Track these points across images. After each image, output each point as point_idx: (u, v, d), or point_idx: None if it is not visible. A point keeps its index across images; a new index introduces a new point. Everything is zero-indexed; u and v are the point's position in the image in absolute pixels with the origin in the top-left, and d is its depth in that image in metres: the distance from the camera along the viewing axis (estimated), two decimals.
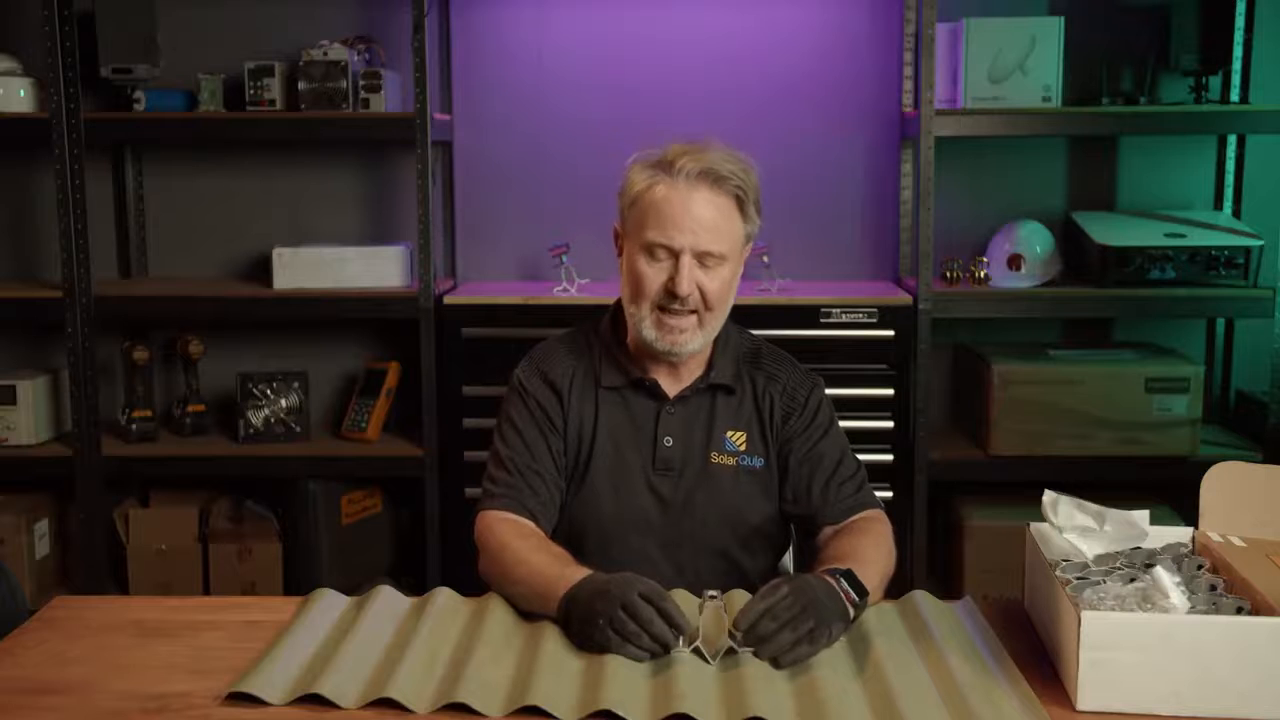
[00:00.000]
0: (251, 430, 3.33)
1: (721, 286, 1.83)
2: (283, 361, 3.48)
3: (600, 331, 1.97)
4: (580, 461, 1.90)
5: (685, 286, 1.79)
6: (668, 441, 1.89)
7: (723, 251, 1.81)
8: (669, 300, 1.81)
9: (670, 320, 1.82)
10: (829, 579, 1.62)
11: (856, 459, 1.96)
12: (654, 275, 1.81)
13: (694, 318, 1.83)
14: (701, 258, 1.80)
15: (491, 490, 1.87)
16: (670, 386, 1.91)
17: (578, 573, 1.65)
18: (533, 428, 1.89)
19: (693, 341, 1.84)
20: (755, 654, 1.51)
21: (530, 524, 1.83)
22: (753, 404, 1.92)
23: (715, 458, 1.89)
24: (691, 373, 1.92)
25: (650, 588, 1.56)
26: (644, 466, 1.89)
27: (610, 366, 1.92)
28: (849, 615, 1.61)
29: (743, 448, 1.90)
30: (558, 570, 1.67)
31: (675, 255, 1.80)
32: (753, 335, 2.02)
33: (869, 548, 1.78)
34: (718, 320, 1.86)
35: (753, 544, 1.92)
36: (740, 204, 1.82)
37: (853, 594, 1.61)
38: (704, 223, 1.79)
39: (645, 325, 1.84)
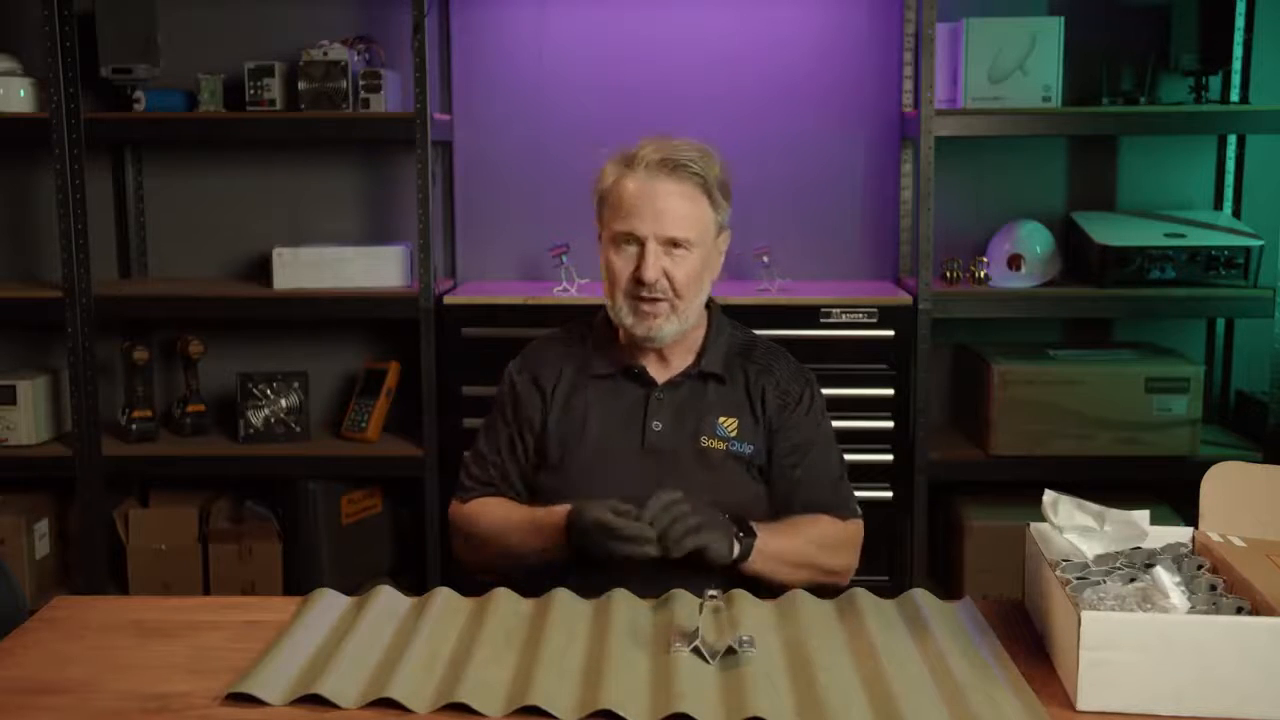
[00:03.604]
0: (251, 430, 3.33)
1: (689, 273, 1.87)
2: (283, 361, 3.48)
3: (595, 323, 2.03)
4: (570, 449, 1.94)
5: (651, 273, 1.84)
6: (656, 426, 1.92)
7: (688, 237, 1.85)
8: (638, 288, 1.86)
9: (645, 307, 1.88)
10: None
11: (841, 465, 1.98)
12: (623, 265, 1.87)
13: (666, 304, 1.87)
14: (667, 245, 1.85)
15: (465, 484, 1.99)
16: (659, 374, 1.96)
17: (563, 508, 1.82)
18: (511, 428, 1.98)
19: (667, 326, 1.89)
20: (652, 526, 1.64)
21: (490, 501, 1.98)
22: (745, 393, 1.96)
23: (705, 442, 1.92)
24: (682, 361, 1.96)
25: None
26: (634, 451, 1.92)
27: (601, 356, 1.97)
28: (732, 536, 1.71)
29: (734, 434, 1.93)
30: (544, 510, 1.85)
31: (641, 243, 1.85)
32: (748, 330, 2.05)
33: (805, 531, 1.85)
34: (691, 306, 1.90)
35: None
36: (705, 190, 1.87)
37: (737, 528, 1.73)
38: (666, 210, 1.84)
39: (624, 314, 1.90)
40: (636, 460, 1.92)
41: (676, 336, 1.92)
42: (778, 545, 1.75)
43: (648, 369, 1.95)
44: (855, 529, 1.92)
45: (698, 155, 1.86)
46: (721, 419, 1.93)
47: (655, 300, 1.87)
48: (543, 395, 1.97)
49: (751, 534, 1.73)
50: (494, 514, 1.95)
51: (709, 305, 2.00)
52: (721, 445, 1.92)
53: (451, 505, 2.02)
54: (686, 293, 1.87)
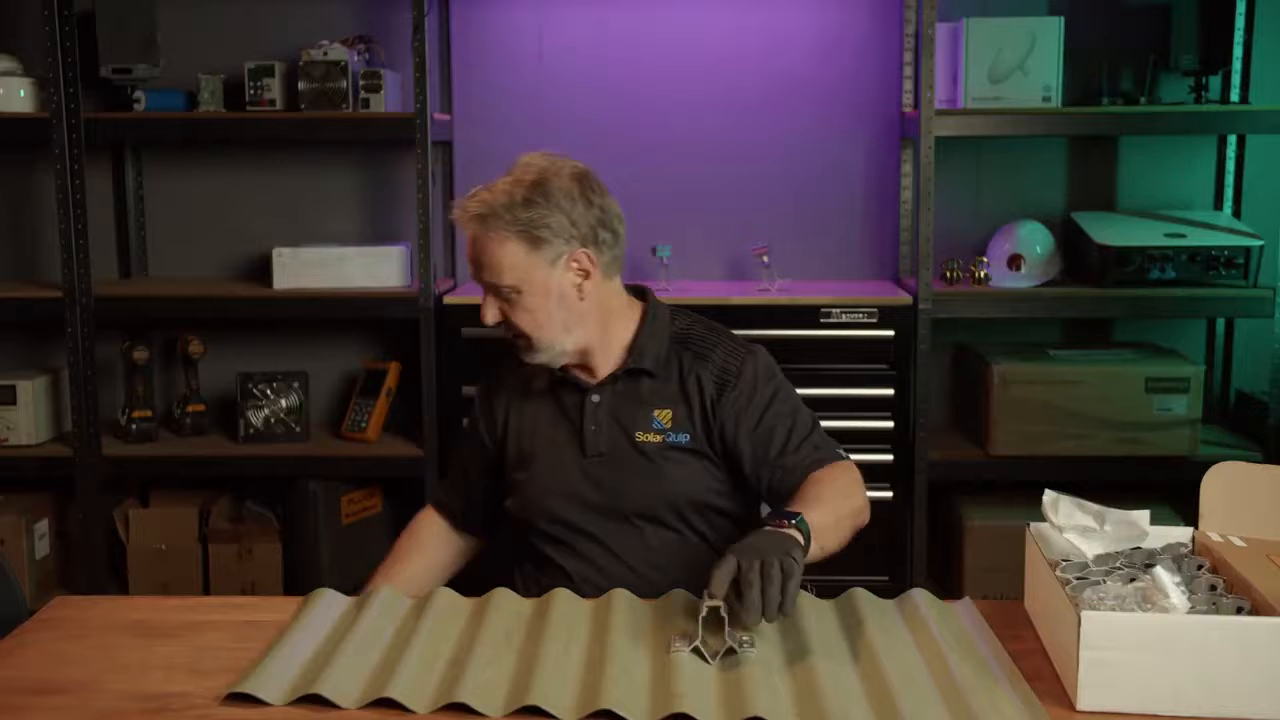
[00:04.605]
0: (251, 430, 3.33)
1: (527, 317, 1.88)
2: (283, 361, 3.48)
3: None
4: (526, 464, 1.98)
5: (484, 317, 1.90)
6: (593, 428, 1.94)
7: (513, 284, 1.86)
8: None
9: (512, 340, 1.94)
10: (766, 528, 1.64)
11: (810, 418, 1.95)
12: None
13: (522, 340, 1.91)
14: (496, 291, 1.88)
15: (440, 483, 2.15)
16: (591, 378, 1.97)
17: (384, 581, 1.93)
18: (474, 440, 2.07)
19: (538, 357, 1.92)
20: (765, 618, 1.51)
21: (440, 523, 2.11)
22: (678, 384, 1.95)
23: (641, 437, 1.93)
24: (611, 363, 1.96)
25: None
26: (576, 456, 1.95)
27: (540, 370, 1.99)
28: (798, 541, 1.60)
29: (669, 425, 1.93)
30: (383, 573, 2.00)
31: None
32: (689, 316, 2.03)
33: (818, 492, 1.79)
34: (551, 342, 1.90)
35: (704, 515, 1.94)
36: (521, 235, 1.84)
37: (786, 520, 1.63)
38: (484, 261, 1.87)
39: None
40: (582, 465, 1.94)
41: (563, 361, 1.93)
42: (817, 518, 1.70)
43: (580, 376, 1.97)
44: (850, 467, 1.90)
45: (504, 204, 1.83)
46: (655, 412, 1.93)
47: (514, 337, 1.91)
48: (496, 417, 2.03)
49: (797, 514, 1.67)
50: (407, 540, 2.09)
51: (646, 302, 2.00)
52: (658, 438, 1.93)
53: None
54: (534, 334, 1.89)
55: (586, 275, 1.88)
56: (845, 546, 1.77)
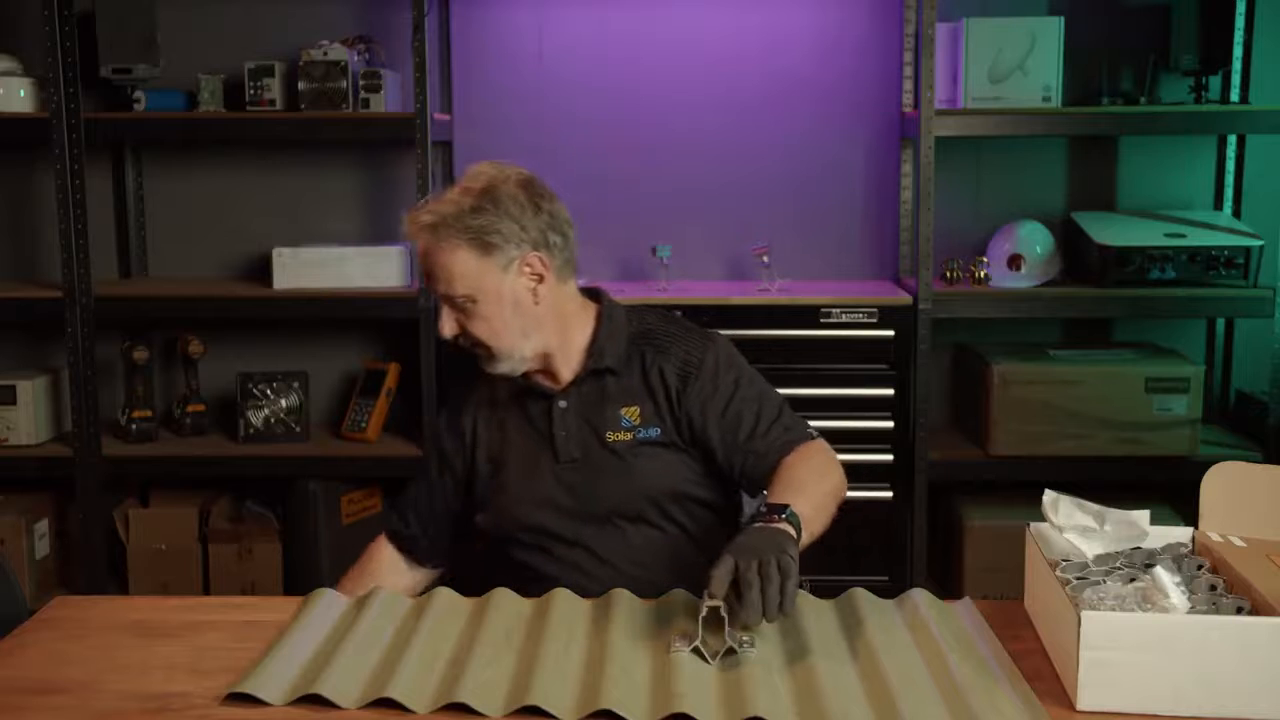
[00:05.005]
0: (251, 430, 3.33)
1: (484, 325, 1.87)
2: (283, 361, 3.48)
3: None
4: (496, 472, 1.98)
5: (442, 330, 1.89)
6: (563, 434, 1.94)
7: (467, 293, 1.85)
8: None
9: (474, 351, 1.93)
10: (757, 524, 1.64)
11: (777, 400, 1.95)
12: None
13: (481, 350, 1.90)
14: (452, 303, 1.87)
15: (391, 513, 2.10)
16: (555, 384, 1.96)
17: None
18: (439, 463, 2.04)
19: (498, 367, 1.91)
20: (766, 618, 1.50)
21: (395, 558, 2.08)
22: (641, 379, 1.95)
23: (611, 436, 1.93)
24: (572, 367, 1.96)
25: None
26: (550, 463, 1.94)
27: (504, 382, 1.98)
28: (791, 535, 1.60)
29: (638, 421, 1.93)
30: None
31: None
32: (647, 312, 2.03)
33: (795, 476, 1.79)
34: (505, 351, 1.90)
35: (683, 506, 1.94)
36: (472, 243, 1.84)
37: (776, 514, 1.63)
38: (437, 272, 1.86)
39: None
40: (555, 472, 1.94)
41: (524, 368, 1.93)
42: (804, 507, 1.70)
43: (542, 383, 1.96)
44: (823, 445, 1.91)
45: (452, 211, 1.84)
46: (623, 410, 1.93)
47: (472, 347, 1.90)
48: (463, 433, 2.01)
49: (784, 507, 1.67)
50: (361, 574, 2.07)
51: (600, 303, 2.00)
52: (628, 436, 1.92)
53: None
54: (492, 342, 1.88)
55: (540, 279, 1.88)
56: (832, 532, 1.77)
